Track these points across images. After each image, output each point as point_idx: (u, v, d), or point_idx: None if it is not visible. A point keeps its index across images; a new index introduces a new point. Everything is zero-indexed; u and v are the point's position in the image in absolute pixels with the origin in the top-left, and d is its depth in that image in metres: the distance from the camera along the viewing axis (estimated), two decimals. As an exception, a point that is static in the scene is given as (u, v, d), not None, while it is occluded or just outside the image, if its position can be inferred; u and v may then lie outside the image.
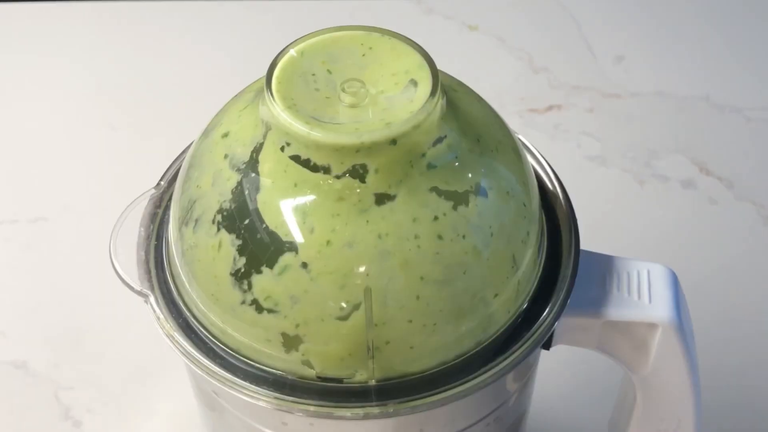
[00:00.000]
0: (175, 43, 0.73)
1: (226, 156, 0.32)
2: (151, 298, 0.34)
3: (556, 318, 0.33)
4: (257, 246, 0.30)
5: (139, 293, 0.34)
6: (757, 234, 0.60)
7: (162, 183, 0.37)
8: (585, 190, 0.62)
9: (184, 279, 0.33)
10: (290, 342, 0.31)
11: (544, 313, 0.33)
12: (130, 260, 0.35)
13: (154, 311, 0.33)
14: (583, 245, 0.35)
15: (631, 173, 0.64)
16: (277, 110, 0.30)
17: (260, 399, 0.31)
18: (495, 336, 0.32)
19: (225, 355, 0.32)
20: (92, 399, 0.52)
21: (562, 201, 0.36)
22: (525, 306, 0.33)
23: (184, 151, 0.37)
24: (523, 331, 0.33)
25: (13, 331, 0.55)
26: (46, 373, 0.53)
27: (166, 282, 0.34)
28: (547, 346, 0.35)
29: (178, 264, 0.34)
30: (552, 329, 0.33)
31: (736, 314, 0.55)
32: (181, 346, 0.33)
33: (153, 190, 0.37)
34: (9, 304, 0.56)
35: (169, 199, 0.36)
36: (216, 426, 0.38)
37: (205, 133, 0.34)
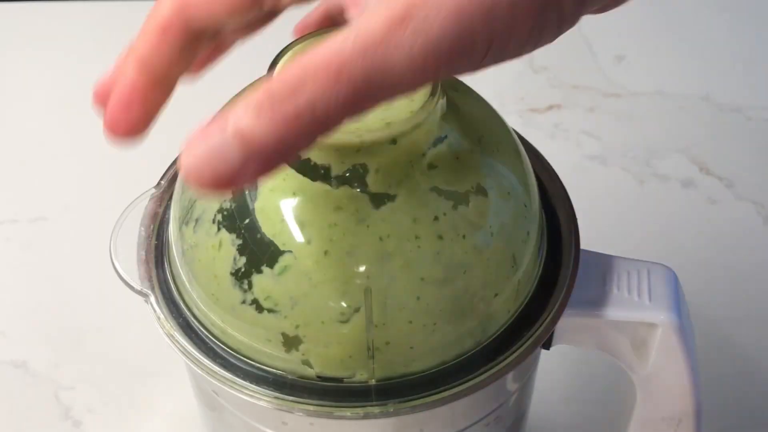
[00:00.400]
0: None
1: None
2: (151, 298, 0.34)
3: (556, 318, 0.33)
4: (257, 246, 0.30)
5: (139, 293, 0.34)
6: (757, 234, 0.60)
7: (162, 182, 0.37)
8: (585, 189, 0.62)
9: (184, 278, 0.33)
10: (290, 342, 0.31)
11: (544, 313, 0.33)
12: (130, 260, 0.35)
13: (155, 311, 0.33)
14: (583, 245, 0.35)
15: (631, 173, 0.64)
16: None
17: (260, 399, 0.31)
18: (495, 336, 0.32)
19: (225, 355, 0.32)
20: (92, 399, 0.52)
21: (563, 201, 0.36)
22: (525, 306, 0.33)
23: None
24: (523, 331, 0.33)
25: (13, 331, 0.55)
26: (46, 373, 0.53)
27: (166, 282, 0.34)
28: (547, 346, 0.35)
29: (178, 263, 0.34)
30: (552, 329, 0.33)
31: (737, 314, 0.55)
32: (180, 345, 0.33)
33: (153, 190, 0.37)
34: (9, 304, 0.57)
35: (170, 199, 0.36)
36: (216, 426, 0.38)
37: None
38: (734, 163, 0.64)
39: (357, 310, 0.30)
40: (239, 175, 0.24)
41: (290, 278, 0.30)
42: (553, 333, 0.34)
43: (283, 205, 0.30)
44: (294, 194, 0.30)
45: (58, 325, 0.55)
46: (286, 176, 0.30)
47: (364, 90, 0.24)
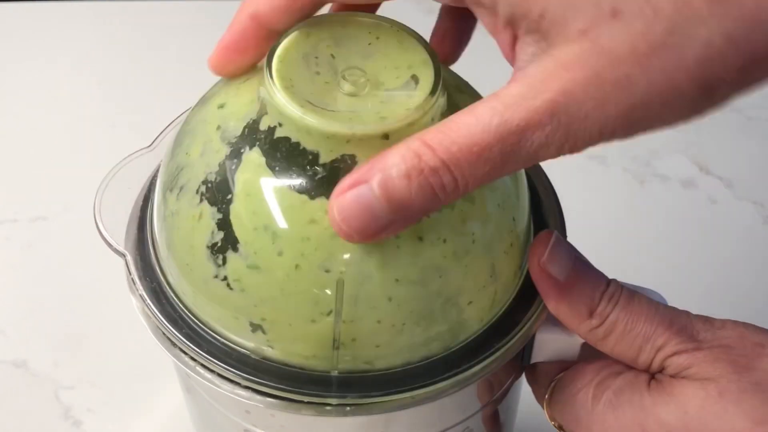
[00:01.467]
0: (177, 43, 0.73)
1: (218, 127, 0.31)
2: (128, 257, 0.34)
3: (530, 333, 0.33)
4: (234, 232, 0.30)
5: (117, 251, 0.34)
6: (757, 234, 0.60)
7: (155, 144, 0.36)
8: (585, 189, 0.62)
9: (163, 244, 0.33)
10: (256, 326, 0.31)
11: (517, 327, 0.33)
12: (115, 220, 0.35)
13: (129, 272, 0.33)
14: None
15: (631, 173, 0.64)
16: (273, 90, 0.30)
17: (222, 376, 0.31)
18: (464, 343, 0.32)
19: (194, 326, 0.32)
20: (92, 399, 0.52)
21: (555, 217, 0.36)
22: (500, 317, 0.33)
23: (180, 115, 0.37)
24: (494, 342, 0.32)
25: (13, 330, 0.55)
26: (46, 373, 0.53)
27: (145, 244, 0.34)
28: (525, 360, 0.35)
29: (157, 228, 0.33)
30: (524, 344, 0.33)
31: (736, 314, 0.55)
32: (150, 309, 0.32)
33: (144, 151, 0.36)
34: (9, 304, 0.57)
35: (161, 162, 0.36)
36: (196, 413, 0.38)
37: (202, 101, 0.34)
38: (734, 163, 0.64)
39: (328, 314, 0.30)
40: (385, 230, 0.28)
41: (261, 279, 0.30)
42: (532, 348, 0.34)
43: (257, 214, 0.30)
44: (269, 202, 0.30)
45: (58, 325, 0.55)
46: (265, 183, 0.30)
47: (501, 167, 0.27)
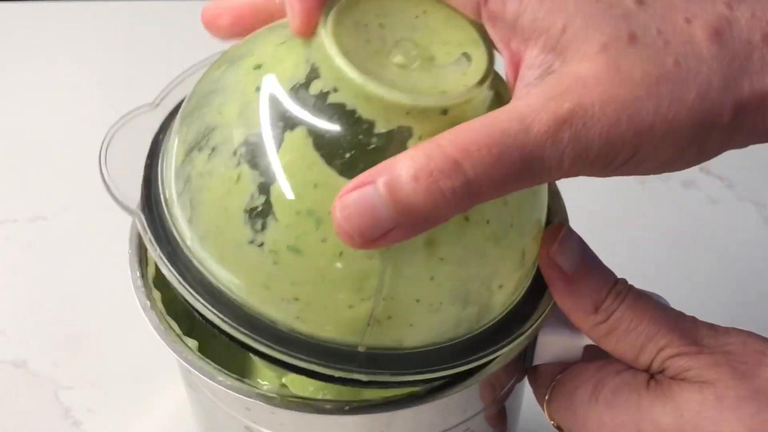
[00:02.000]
0: (177, 43, 0.73)
1: (258, 89, 0.30)
2: (142, 218, 0.32)
3: (548, 315, 0.33)
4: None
5: (131, 212, 0.33)
6: (757, 234, 0.60)
7: (157, 101, 0.36)
8: (585, 190, 0.62)
9: (185, 205, 0.32)
10: (288, 301, 0.30)
11: (536, 312, 0.33)
12: (120, 180, 0.34)
13: (145, 232, 0.32)
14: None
15: (631, 173, 0.63)
16: (331, 53, 0.29)
17: (250, 346, 0.30)
18: (487, 326, 0.32)
19: (216, 292, 0.31)
20: (92, 399, 0.52)
21: (561, 211, 0.36)
22: (519, 301, 0.33)
23: (182, 74, 0.36)
24: (513, 328, 0.32)
25: (13, 330, 0.55)
26: (46, 373, 0.53)
27: (156, 205, 0.33)
28: (528, 362, 0.35)
29: (177, 189, 0.32)
30: (538, 332, 0.33)
31: (736, 314, 0.55)
32: (169, 270, 0.31)
33: (146, 108, 0.36)
34: (9, 304, 0.57)
35: (166, 120, 0.35)
36: (198, 409, 0.38)
37: (230, 61, 0.32)
38: (735, 163, 0.63)
39: (368, 299, 0.29)
40: (388, 235, 0.26)
41: (301, 262, 0.29)
42: (534, 349, 0.34)
43: (301, 198, 0.29)
44: (315, 186, 0.29)
45: (58, 325, 0.55)
46: (311, 166, 0.29)
47: (516, 175, 0.26)
